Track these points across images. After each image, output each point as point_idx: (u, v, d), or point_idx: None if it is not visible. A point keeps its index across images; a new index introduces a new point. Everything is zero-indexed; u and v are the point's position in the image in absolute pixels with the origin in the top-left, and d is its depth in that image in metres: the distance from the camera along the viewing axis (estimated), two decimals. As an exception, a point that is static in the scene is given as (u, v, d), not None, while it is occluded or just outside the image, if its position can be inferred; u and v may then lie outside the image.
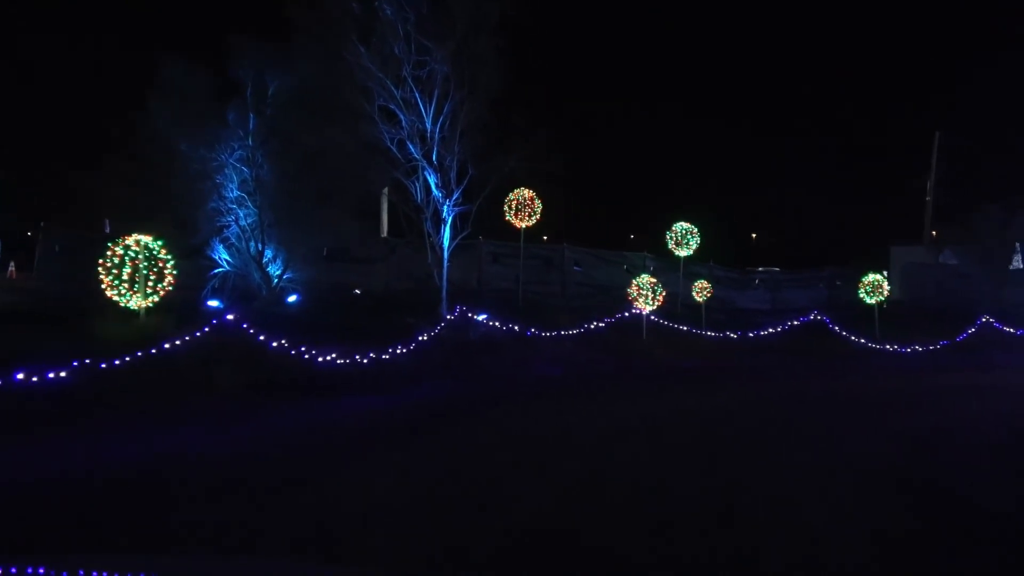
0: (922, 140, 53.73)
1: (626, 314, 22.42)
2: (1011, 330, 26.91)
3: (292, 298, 20.85)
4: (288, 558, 5.66)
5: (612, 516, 7.10)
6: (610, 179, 61.32)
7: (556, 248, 29.01)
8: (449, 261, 20.53)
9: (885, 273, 28.85)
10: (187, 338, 13.59)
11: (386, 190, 23.98)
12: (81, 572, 2.98)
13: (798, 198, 68.26)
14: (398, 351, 16.88)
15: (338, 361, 15.52)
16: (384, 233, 28.70)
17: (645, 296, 22.34)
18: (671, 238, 25.90)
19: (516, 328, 20.00)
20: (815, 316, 25.38)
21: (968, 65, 75.22)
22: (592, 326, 21.52)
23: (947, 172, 49.08)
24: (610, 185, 61.16)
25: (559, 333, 20.67)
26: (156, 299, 15.22)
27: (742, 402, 14.73)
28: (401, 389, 14.82)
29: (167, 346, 13.32)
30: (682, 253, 26.04)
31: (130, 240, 15.20)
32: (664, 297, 22.86)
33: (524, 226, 24.01)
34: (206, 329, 13.90)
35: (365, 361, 15.99)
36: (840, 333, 24.95)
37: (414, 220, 20.19)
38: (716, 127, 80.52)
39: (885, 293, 26.50)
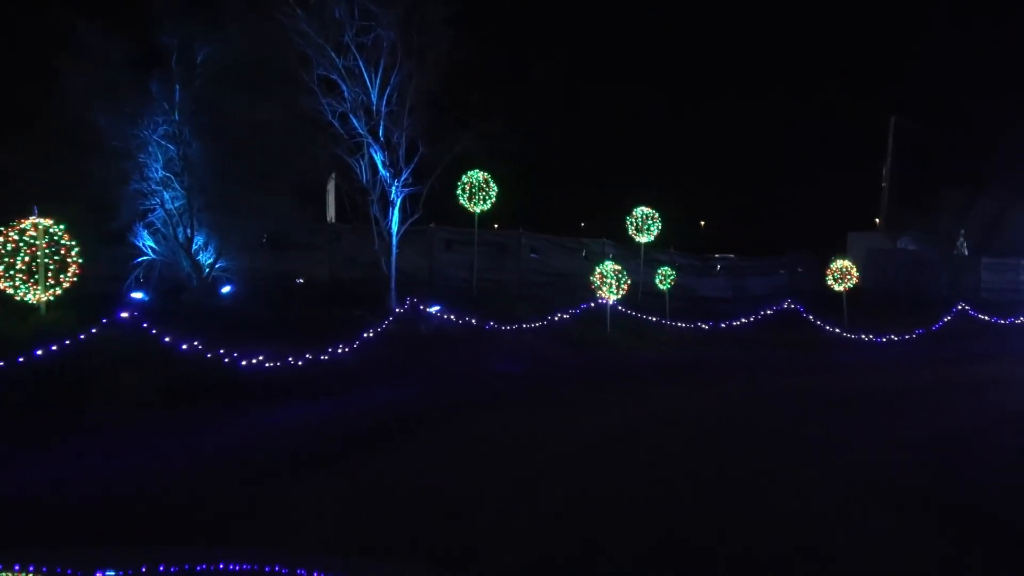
0: (878, 125, 53.30)
1: (591, 304, 20.93)
2: (986, 317, 26.11)
3: (226, 289, 19.06)
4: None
5: (612, 548, 5.92)
6: (566, 163, 59.59)
7: (511, 234, 27.58)
8: (399, 248, 18.89)
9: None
10: (67, 341, 11.53)
11: (333, 175, 22.24)
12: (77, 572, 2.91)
13: (752, 183, 67.93)
14: (340, 350, 15.00)
15: (267, 364, 13.53)
16: (332, 219, 26.91)
17: (609, 285, 20.91)
18: (631, 223, 24.64)
19: (473, 321, 18.35)
20: (789, 304, 24.17)
21: (925, 48, 75.41)
22: (555, 318, 19.96)
23: (905, 157, 48.74)
24: (566, 169, 59.34)
25: (519, 326, 19.05)
26: (59, 291, 13.29)
27: (729, 401, 13.37)
28: (344, 394, 12.97)
29: (39, 353, 11.27)
30: (642, 239, 24.81)
31: (27, 223, 13.26)
32: (628, 285, 21.55)
33: (479, 211, 22.58)
34: (93, 331, 11.89)
35: (300, 363, 14.07)
36: (815, 323, 23.78)
37: (359, 203, 18.37)
38: (674, 112, 79.64)
39: (855, 280, 25.47)
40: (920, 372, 17.86)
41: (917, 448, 9.73)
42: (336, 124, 17.45)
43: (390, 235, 18.03)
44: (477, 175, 22.12)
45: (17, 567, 2.80)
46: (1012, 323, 25.79)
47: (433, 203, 20.03)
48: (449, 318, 18.10)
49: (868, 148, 55.28)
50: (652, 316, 22.48)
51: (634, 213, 24.58)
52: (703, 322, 22.86)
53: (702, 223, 67.23)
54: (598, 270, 21.30)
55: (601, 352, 18.75)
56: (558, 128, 60.97)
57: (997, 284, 38.13)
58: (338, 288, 21.49)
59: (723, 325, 22.85)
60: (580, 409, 12.33)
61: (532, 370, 16.36)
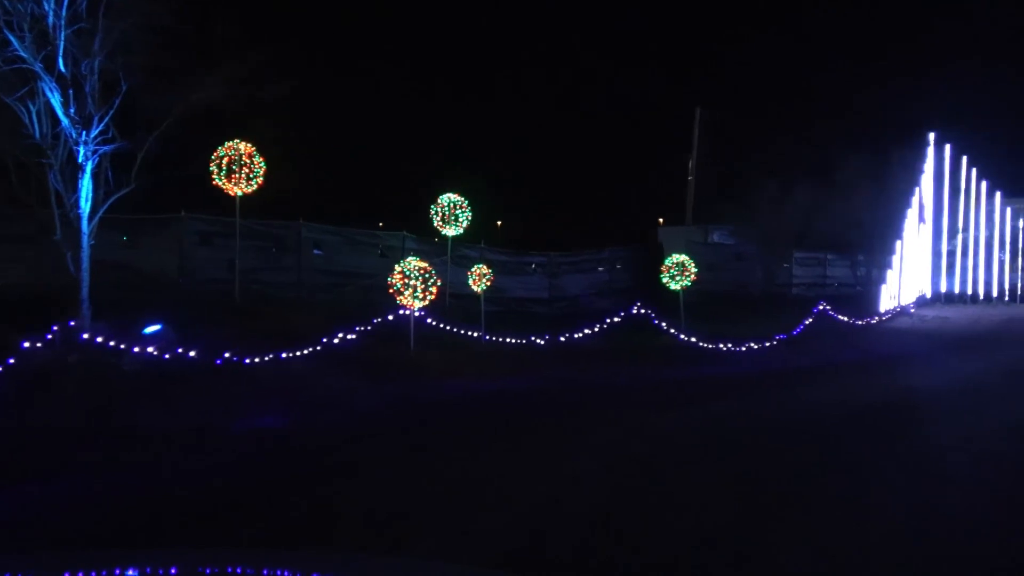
0: (684, 117, 52.29)
1: (391, 315, 15.78)
2: (844, 318, 23.61)
3: None
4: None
5: None
6: (355, 138, 52.62)
7: (289, 225, 22.40)
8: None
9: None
10: None
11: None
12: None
13: (556, 179, 65.63)
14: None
15: None
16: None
17: (413, 288, 15.99)
18: (437, 213, 20.07)
19: (215, 348, 12.45)
20: (638, 309, 20.10)
21: (736, 42, 76.53)
22: (342, 335, 14.60)
23: (714, 150, 48.03)
24: (356, 148, 51.84)
25: (291, 353, 13.40)
26: None
27: (614, 473, 8.28)
28: None
29: None
30: (450, 232, 20.37)
31: None
32: (436, 288, 16.85)
33: (241, 193, 17.50)
34: None
35: None
36: (668, 330, 19.95)
37: (33, 170, 12.12)
38: (473, 96, 75.73)
39: (692, 277, 22.21)
40: (822, 390, 14.29)
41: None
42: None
43: (79, 218, 11.89)
44: (238, 146, 17.31)
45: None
46: (868, 323, 23.65)
47: (180, 184, 14.85)
48: (156, 351, 12.03)
49: (676, 141, 54.15)
50: (466, 327, 17.81)
51: (440, 201, 20.13)
52: (526, 332, 18.38)
53: (499, 223, 63.54)
54: (398, 269, 16.37)
55: (404, 383, 13.42)
56: (345, 92, 54.00)
57: (807, 278, 38.59)
58: (42, 296, 15.28)
59: (562, 339, 18.28)
60: (371, 512, 6.71)
61: (302, 424, 10.72)
